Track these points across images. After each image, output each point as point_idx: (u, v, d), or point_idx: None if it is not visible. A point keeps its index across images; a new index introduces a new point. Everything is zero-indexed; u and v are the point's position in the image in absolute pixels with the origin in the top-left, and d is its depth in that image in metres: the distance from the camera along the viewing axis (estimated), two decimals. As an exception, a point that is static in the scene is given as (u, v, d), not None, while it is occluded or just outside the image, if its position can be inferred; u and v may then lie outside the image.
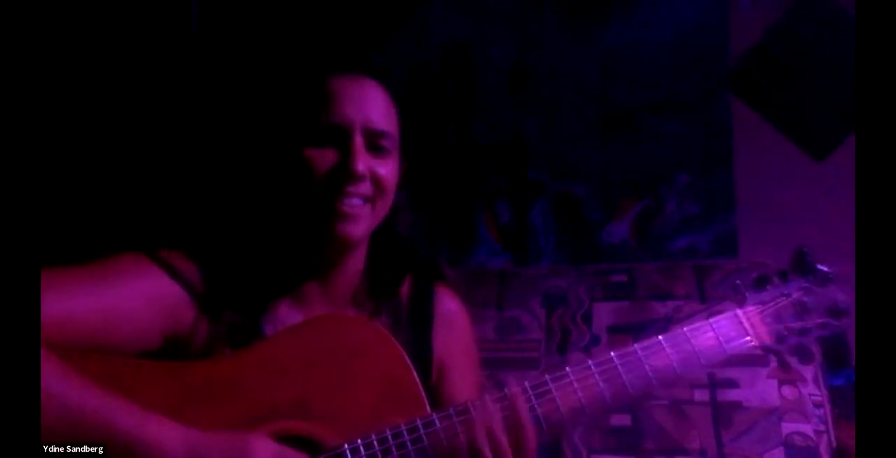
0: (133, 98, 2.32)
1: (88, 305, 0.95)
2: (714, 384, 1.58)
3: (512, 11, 2.39)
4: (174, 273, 1.02)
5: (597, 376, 0.98)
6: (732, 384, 1.57)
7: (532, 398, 0.96)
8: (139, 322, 0.98)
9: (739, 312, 1.02)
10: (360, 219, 1.04)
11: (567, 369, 0.98)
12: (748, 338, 1.00)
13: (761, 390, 1.56)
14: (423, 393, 1.00)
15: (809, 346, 1.01)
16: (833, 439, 1.53)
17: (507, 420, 0.94)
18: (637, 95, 2.28)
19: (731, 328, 1.00)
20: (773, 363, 1.01)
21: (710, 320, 1.02)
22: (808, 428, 1.52)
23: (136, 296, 0.98)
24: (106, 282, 0.97)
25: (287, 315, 1.07)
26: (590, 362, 0.99)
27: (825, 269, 1.02)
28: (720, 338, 1.00)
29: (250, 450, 0.89)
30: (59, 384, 0.86)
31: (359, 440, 0.93)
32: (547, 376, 0.98)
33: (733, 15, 2.23)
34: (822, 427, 1.52)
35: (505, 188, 2.37)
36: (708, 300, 1.68)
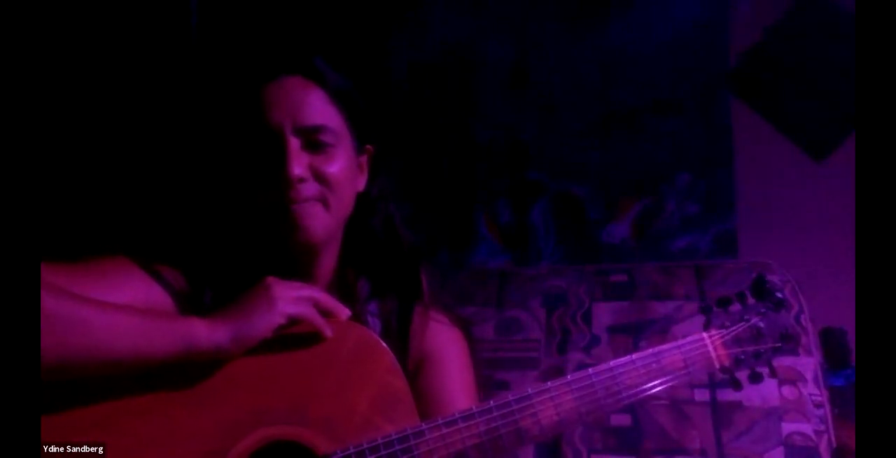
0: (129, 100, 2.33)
1: None
2: (714, 384, 1.58)
3: (512, 11, 2.39)
4: (159, 279, 1.02)
5: (574, 393, 1.00)
6: (732, 383, 1.57)
7: (515, 411, 0.97)
8: None
9: (705, 335, 1.05)
10: (314, 221, 1.03)
11: (548, 384, 1.00)
12: (714, 363, 1.05)
13: (761, 389, 1.55)
14: (414, 404, 0.99)
15: (760, 369, 1.06)
16: (833, 439, 1.53)
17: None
18: (637, 95, 2.28)
19: (697, 352, 1.05)
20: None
21: (679, 343, 1.05)
22: (808, 428, 1.52)
23: (119, 299, 0.95)
24: (89, 282, 0.95)
25: None
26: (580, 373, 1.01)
27: (780, 295, 1.07)
28: (686, 361, 1.04)
29: (269, 289, 0.96)
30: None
31: (350, 448, 0.93)
32: (530, 390, 0.98)
33: (733, 15, 2.23)
34: (822, 427, 1.52)
35: (505, 188, 2.37)
36: (708, 300, 1.67)
